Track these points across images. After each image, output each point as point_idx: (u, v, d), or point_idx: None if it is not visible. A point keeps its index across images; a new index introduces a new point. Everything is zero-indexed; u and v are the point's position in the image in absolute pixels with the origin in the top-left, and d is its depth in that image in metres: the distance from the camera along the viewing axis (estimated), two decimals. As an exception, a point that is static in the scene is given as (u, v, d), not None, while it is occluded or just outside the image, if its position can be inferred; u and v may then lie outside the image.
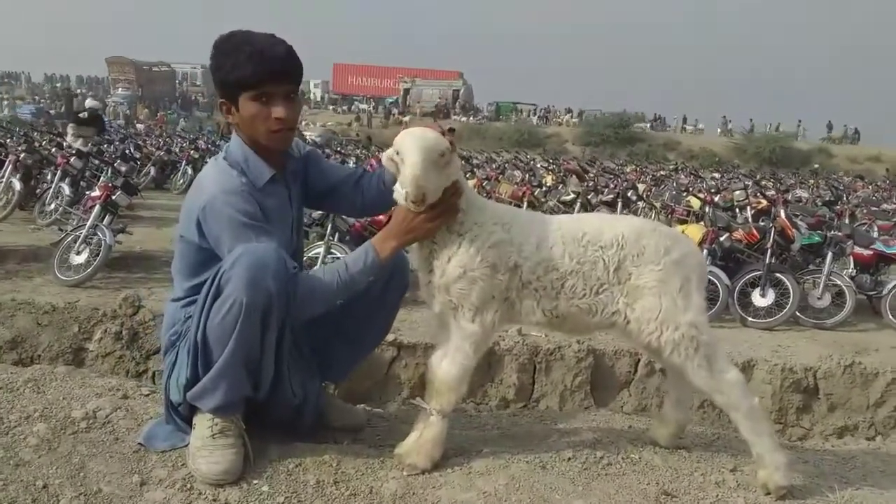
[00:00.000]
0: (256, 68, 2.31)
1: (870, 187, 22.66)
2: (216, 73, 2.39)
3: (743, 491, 2.42)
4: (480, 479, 2.37)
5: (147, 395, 2.86)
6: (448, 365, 2.38)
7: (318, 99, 60.14)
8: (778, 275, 6.93)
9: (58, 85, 61.75)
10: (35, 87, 62.67)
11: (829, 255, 7.20)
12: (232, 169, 2.41)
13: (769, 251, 7.05)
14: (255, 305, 2.17)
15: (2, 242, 7.46)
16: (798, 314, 6.90)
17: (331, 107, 59.05)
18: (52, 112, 41.31)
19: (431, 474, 2.38)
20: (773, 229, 7.28)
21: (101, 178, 8.82)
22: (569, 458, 2.54)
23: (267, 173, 2.47)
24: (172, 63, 65.70)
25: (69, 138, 12.46)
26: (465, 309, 2.35)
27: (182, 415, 2.44)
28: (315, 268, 2.36)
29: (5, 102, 47.66)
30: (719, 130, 52.84)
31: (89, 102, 15.19)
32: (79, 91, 50.73)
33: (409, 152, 2.22)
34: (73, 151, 9.93)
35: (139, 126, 35.06)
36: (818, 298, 7.08)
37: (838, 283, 7.09)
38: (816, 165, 34.67)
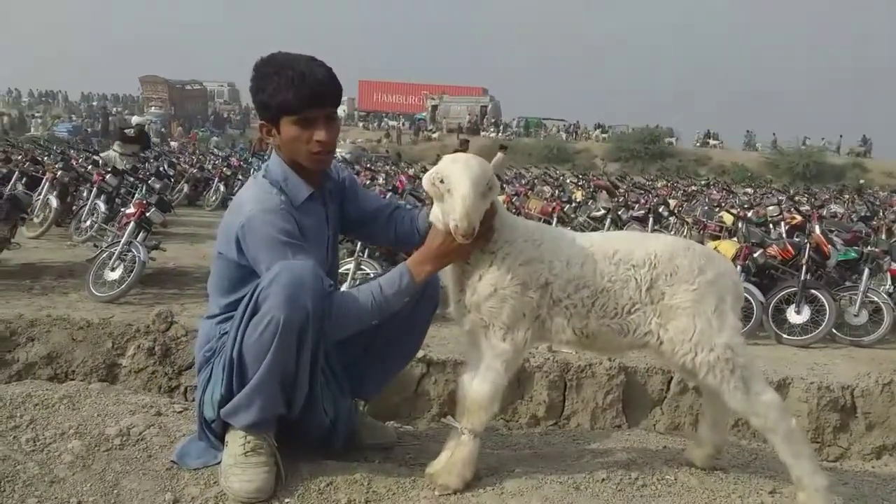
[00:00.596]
0: (298, 93, 2.33)
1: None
2: (257, 95, 2.41)
3: (782, 514, 2.37)
4: (513, 499, 2.34)
5: (180, 413, 2.88)
6: (479, 384, 2.36)
7: (347, 116, 60.53)
8: (813, 291, 6.80)
9: (94, 103, 62.86)
10: (72, 106, 63.75)
11: (866, 271, 7.06)
12: (272, 187, 2.44)
13: (804, 267, 6.92)
14: (292, 323, 2.18)
15: (38, 258, 7.58)
16: (834, 331, 6.77)
17: (360, 123, 59.43)
18: (88, 130, 42.11)
19: (463, 494, 2.35)
20: (808, 245, 7.15)
21: (136, 196, 8.94)
22: (602, 479, 2.51)
23: (305, 192, 2.49)
24: (202, 81, 66.42)
25: (111, 152, 12.57)
26: (496, 327, 2.34)
27: (215, 431, 2.45)
28: (348, 287, 2.36)
29: (39, 121, 48.58)
30: (744, 145, 52.31)
31: (135, 119, 15.36)
32: (115, 109, 51.70)
33: (458, 183, 2.17)
34: (109, 169, 10.09)
35: (173, 144, 35.58)
36: (855, 315, 6.93)
37: (875, 299, 6.94)
38: (861, 181, 33.99)
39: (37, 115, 53.34)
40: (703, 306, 2.33)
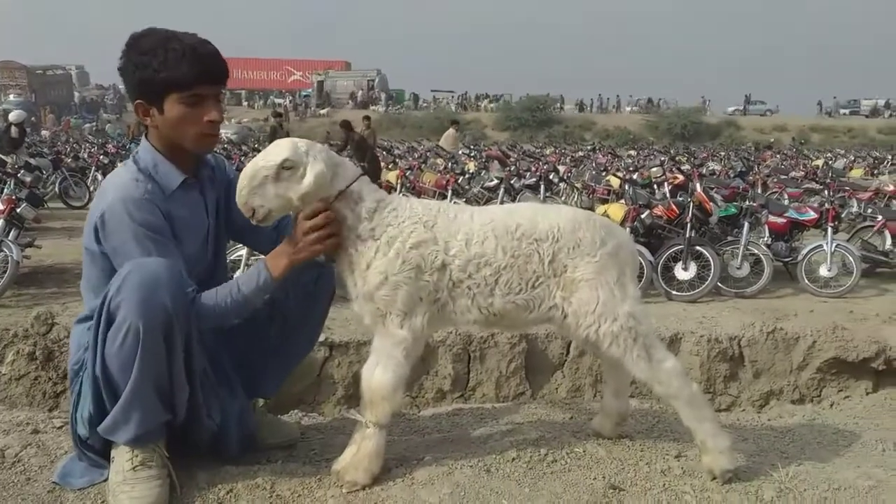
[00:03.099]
0: (191, 68, 2.16)
1: (778, 156, 23.54)
2: (137, 70, 2.19)
3: (689, 478, 2.40)
4: (424, 489, 2.28)
5: (59, 428, 2.66)
6: (381, 374, 2.27)
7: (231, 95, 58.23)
8: (698, 248, 7.07)
9: (-46, 95, 58.08)
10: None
11: (746, 225, 7.39)
12: (139, 174, 2.24)
13: (689, 225, 7.17)
14: (153, 328, 2.00)
15: None
16: (720, 285, 7.07)
17: (245, 103, 57.50)
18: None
19: (372, 489, 2.27)
20: (691, 204, 7.41)
21: (4, 191, 8.35)
22: (513, 459, 2.49)
23: (177, 178, 2.30)
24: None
25: (17, 158, 11.60)
26: (392, 315, 2.25)
27: (94, 448, 2.26)
28: (209, 290, 2.20)
29: None
30: (594, 108, 55.46)
31: (13, 116, 14.07)
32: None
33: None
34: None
35: (44, 133, 33.42)
36: (738, 268, 7.26)
37: (756, 251, 7.28)
38: (772, 140, 35.64)
39: None
40: (605, 277, 2.32)
